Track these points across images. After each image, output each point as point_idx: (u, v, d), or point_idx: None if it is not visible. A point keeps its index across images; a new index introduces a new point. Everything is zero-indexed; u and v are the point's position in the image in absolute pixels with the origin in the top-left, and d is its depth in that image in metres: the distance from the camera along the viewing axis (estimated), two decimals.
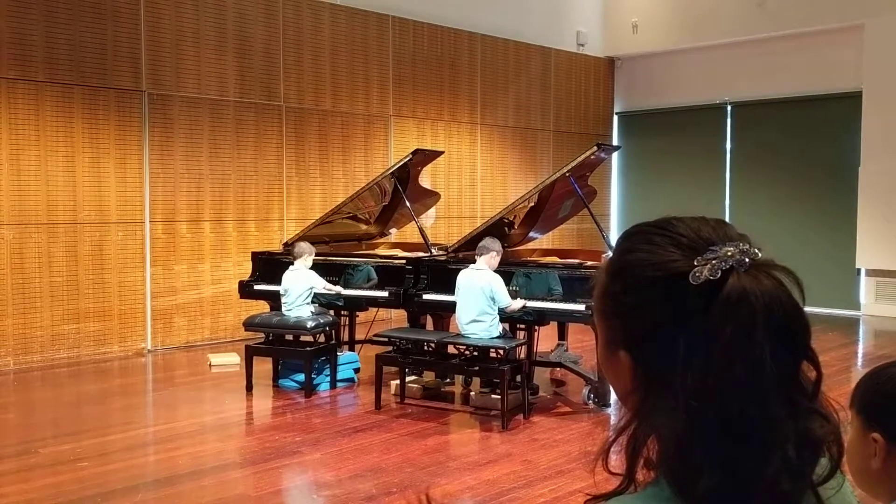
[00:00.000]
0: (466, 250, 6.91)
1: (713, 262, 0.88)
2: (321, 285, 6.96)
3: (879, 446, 1.47)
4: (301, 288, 6.88)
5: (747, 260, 0.89)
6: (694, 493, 0.86)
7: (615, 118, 13.91)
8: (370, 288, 7.20)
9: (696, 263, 0.88)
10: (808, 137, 11.76)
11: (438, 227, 10.62)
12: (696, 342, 0.87)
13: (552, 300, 6.36)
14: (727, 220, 0.97)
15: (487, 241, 6.24)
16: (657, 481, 0.91)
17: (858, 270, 11.26)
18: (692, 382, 0.86)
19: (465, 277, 6.20)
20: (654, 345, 0.90)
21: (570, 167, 6.91)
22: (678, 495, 0.87)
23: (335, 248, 7.86)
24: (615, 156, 13.22)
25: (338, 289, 7.11)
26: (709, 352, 0.86)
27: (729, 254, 0.88)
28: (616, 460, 0.96)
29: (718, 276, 0.87)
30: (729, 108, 12.62)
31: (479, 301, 6.08)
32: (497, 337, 6.16)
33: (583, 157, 6.93)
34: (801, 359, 0.90)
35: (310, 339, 7.05)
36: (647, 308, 0.91)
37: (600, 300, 0.99)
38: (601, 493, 0.94)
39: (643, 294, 0.92)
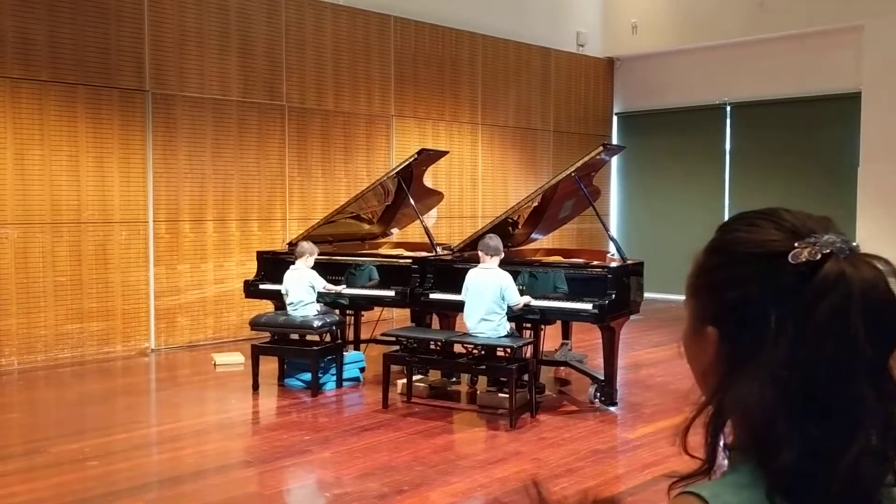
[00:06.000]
0: (472, 250, 6.91)
1: (815, 245, 0.90)
2: (321, 285, 6.96)
3: None
4: (301, 288, 6.88)
5: (848, 249, 0.91)
6: (774, 466, 0.87)
7: (615, 118, 13.93)
8: (372, 287, 7.20)
9: (796, 245, 0.91)
10: (807, 138, 11.80)
11: (439, 226, 10.61)
12: (788, 318, 0.88)
13: (559, 299, 6.37)
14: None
15: (496, 241, 6.24)
16: (735, 468, 0.92)
17: None
18: (781, 355, 0.88)
19: (474, 277, 6.19)
20: (745, 320, 0.92)
21: (575, 167, 6.90)
22: (758, 468, 0.88)
23: (339, 247, 7.87)
24: (614, 156, 13.23)
25: (339, 288, 7.11)
26: (801, 327, 0.88)
27: (831, 241, 0.91)
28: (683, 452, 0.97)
29: (818, 258, 0.89)
30: (728, 108, 12.65)
31: (490, 300, 6.07)
32: (504, 336, 6.16)
33: (588, 157, 6.93)
34: (893, 346, 0.92)
35: (316, 338, 7.05)
36: (741, 282, 0.93)
37: (694, 277, 1.00)
38: (681, 473, 0.95)
39: (739, 269, 0.94)
